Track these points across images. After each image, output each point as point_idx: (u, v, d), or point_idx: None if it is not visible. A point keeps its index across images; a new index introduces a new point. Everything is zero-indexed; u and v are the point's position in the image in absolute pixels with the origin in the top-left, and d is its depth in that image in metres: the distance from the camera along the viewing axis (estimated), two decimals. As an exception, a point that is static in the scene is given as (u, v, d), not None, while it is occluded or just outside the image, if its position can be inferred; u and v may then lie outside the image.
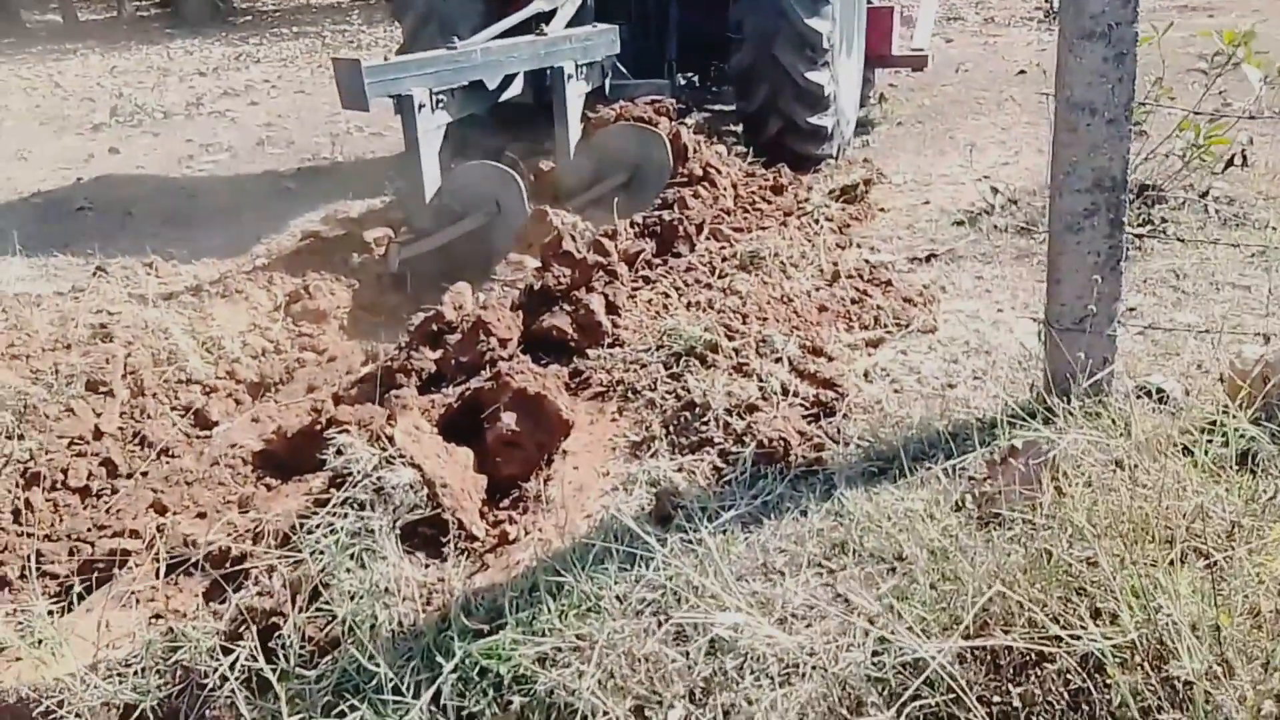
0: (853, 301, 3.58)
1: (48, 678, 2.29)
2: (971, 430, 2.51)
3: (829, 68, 5.82)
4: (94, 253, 4.97)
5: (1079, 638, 1.73)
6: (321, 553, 2.28)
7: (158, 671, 2.24)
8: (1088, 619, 1.78)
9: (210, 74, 12.86)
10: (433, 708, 2.00)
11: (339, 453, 2.48)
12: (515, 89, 5.30)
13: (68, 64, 15.35)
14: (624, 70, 5.97)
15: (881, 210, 5.14)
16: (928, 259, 4.25)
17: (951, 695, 1.73)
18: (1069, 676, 1.74)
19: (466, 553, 2.42)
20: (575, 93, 5.23)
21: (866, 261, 4.10)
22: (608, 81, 5.78)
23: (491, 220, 4.60)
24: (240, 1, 26.20)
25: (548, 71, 5.16)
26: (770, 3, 5.61)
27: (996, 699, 1.76)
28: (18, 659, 2.41)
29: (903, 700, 1.76)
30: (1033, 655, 1.79)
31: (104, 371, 3.45)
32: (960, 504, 2.27)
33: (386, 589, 2.24)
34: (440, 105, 4.60)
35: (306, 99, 10.63)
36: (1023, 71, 9.49)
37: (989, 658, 1.82)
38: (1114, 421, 2.41)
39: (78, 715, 2.18)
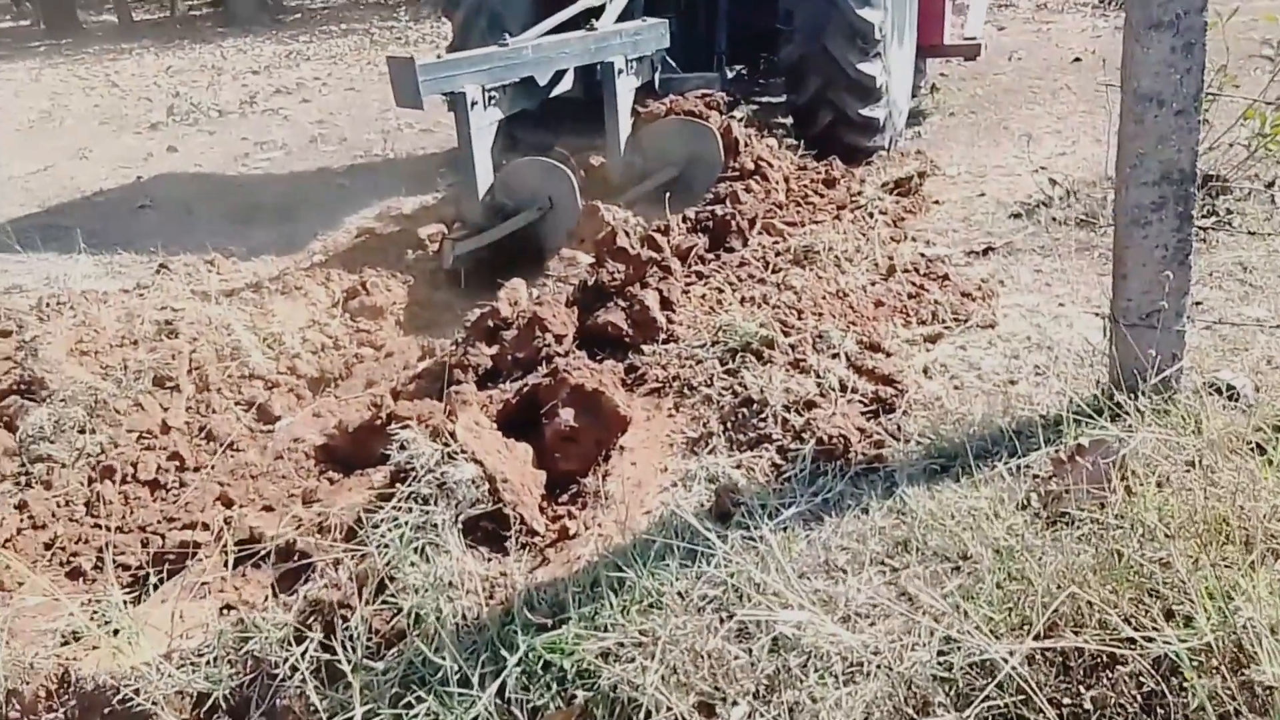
0: (909, 296, 3.54)
1: (124, 666, 2.36)
2: (1036, 427, 2.48)
3: (881, 58, 5.75)
4: (156, 250, 5.09)
5: (1153, 640, 1.70)
6: (386, 546, 2.32)
7: (229, 661, 2.29)
8: (1161, 621, 1.75)
9: (262, 72, 13.06)
10: (498, 700, 2.02)
11: (402, 447, 2.52)
12: (566, 84, 5.31)
13: (124, 64, 15.69)
14: (673, 64, 5.96)
15: (936, 203, 5.07)
16: (985, 252, 4.19)
17: (1021, 697, 1.72)
18: (1142, 679, 1.72)
19: (527, 547, 2.44)
20: (625, 87, 5.24)
21: (922, 255, 4.05)
22: (657, 76, 5.77)
23: (545, 215, 4.63)
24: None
25: (598, 67, 5.16)
26: None
27: (1067, 701, 1.74)
28: (95, 647, 2.48)
29: (970, 700, 1.75)
30: (1104, 657, 1.77)
31: (170, 367, 3.53)
32: (1026, 503, 2.24)
33: (450, 582, 2.27)
34: (493, 102, 4.63)
35: (357, 96, 10.76)
36: (1078, 59, 9.31)
37: (1059, 659, 1.80)
38: (1184, 419, 2.37)
39: (153, 703, 2.24)
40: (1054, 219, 4.49)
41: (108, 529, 2.89)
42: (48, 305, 3.96)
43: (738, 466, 2.53)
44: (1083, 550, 1.97)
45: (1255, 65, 5.22)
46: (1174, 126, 2.37)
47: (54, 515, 2.91)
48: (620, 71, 5.14)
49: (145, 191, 6.81)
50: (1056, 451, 2.35)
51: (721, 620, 2.05)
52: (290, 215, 6.01)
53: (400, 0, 26.47)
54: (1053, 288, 3.76)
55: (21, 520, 2.88)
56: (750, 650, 1.98)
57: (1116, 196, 2.50)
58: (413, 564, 2.30)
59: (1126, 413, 2.39)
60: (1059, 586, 1.83)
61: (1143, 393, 2.46)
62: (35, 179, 7.51)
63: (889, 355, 3.08)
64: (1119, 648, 1.71)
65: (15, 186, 7.26)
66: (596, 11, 5.49)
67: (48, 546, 2.83)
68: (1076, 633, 1.78)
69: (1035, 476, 2.33)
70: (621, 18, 5.52)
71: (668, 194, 4.62)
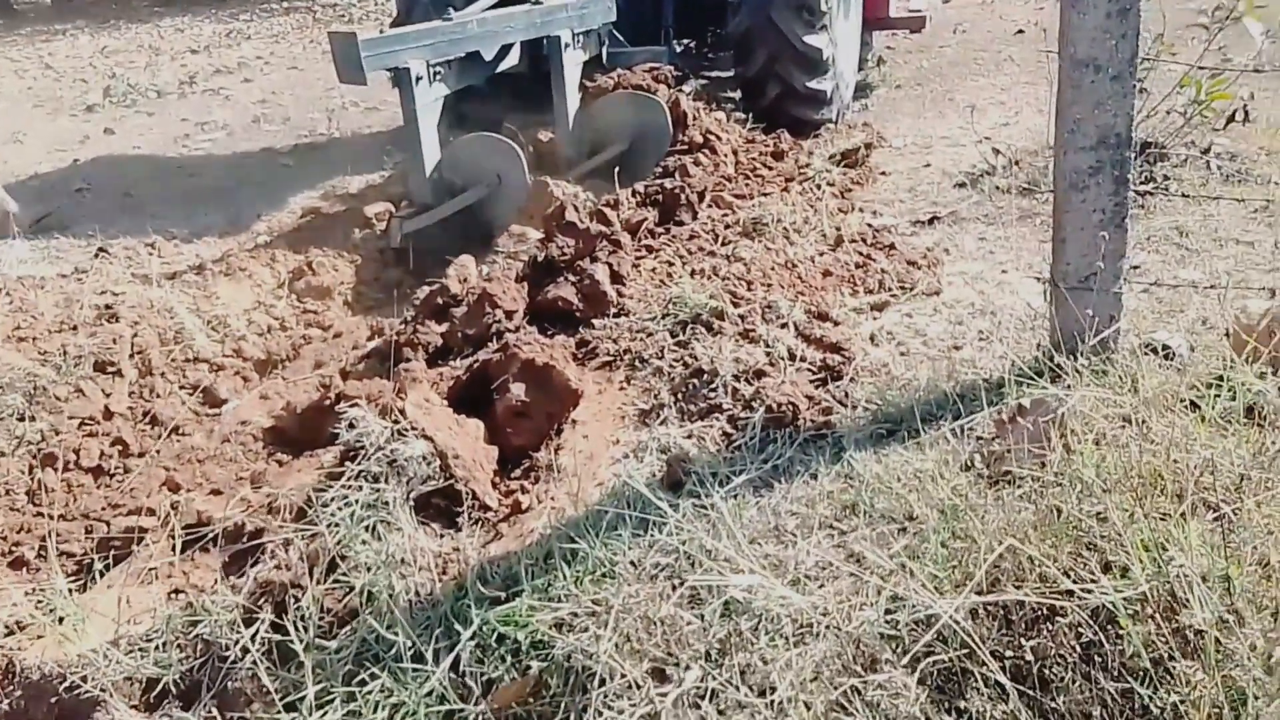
0: (857, 266, 3.58)
1: (70, 654, 2.32)
2: (979, 391, 2.53)
3: (827, 31, 5.77)
4: (95, 234, 4.96)
5: (1090, 591, 1.75)
6: (337, 525, 2.31)
7: (179, 645, 2.27)
8: (1099, 573, 1.80)
9: (202, 51, 12.75)
10: (452, 675, 2.02)
11: (351, 426, 2.50)
12: (512, 59, 5.26)
13: (58, 45, 15.22)
14: (620, 38, 5.93)
15: (883, 174, 5.12)
16: (930, 222, 4.24)
17: (965, 650, 1.76)
18: (1081, 630, 1.76)
19: (480, 522, 2.44)
20: (572, 61, 5.20)
21: (869, 225, 4.09)
22: (605, 50, 5.74)
23: (493, 192, 4.59)
24: (229, -23, 25.91)
25: (544, 41, 5.12)
26: None
27: (1009, 653, 1.79)
28: (39, 636, 2.44)
29: (916, 656, 1.79)
30: (1044, 609, 1.81)
31: (111, 352, 3.45)
32: (969, 464, 2.28)
33: (402, 559, 2.26)
34: (438, 77, 4.56)
35: (300, 75, 10.55)
36: (1021, 31, 9.42)
37: (1001, 613, 1.84)
38: (1121, 378, 2.42)
39: (102, 690, 2.21)
40: (997, 188, 4.56)
41: (50, 517, 2.83)
42: (-18, 292, 3.85)
43: (689, 437, 2.55)
44: (1024, 508, 2.01)
45: (1192, 34, 5.33)
46: (1110, 91, 2.41)
47: (-6, 505, 2.84)
48: (567, 45, 5.10)
49: (82, 175, 6.62)
50: (999, 413, 2.39)
51: (674, 587, 2.06)
52: (233, 196, 5.89)
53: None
54: (996, 255, 3.82)
55: (-40, 511, 2.81)
56: (702, 616, 2.00)
57: (1055, 161, 2.55)
58: (364, 542, 2.29)
59: (1066, 373, 2.45)
60: (1000, 543, 1.87)
61: (1081, 354, 2.51)
62: (-36, 164, 7.28)
63: (837, 324, 3.11)
64: (1058, 600, 1.75)
65: (-56, 171, 7.03)
66: None
67: (-13, 537, 2.77)
68: (1018, 587, 1.82)
69: (979, 438, 2.38)
70: None
71: (616, 168, 4.62)
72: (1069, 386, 2.30)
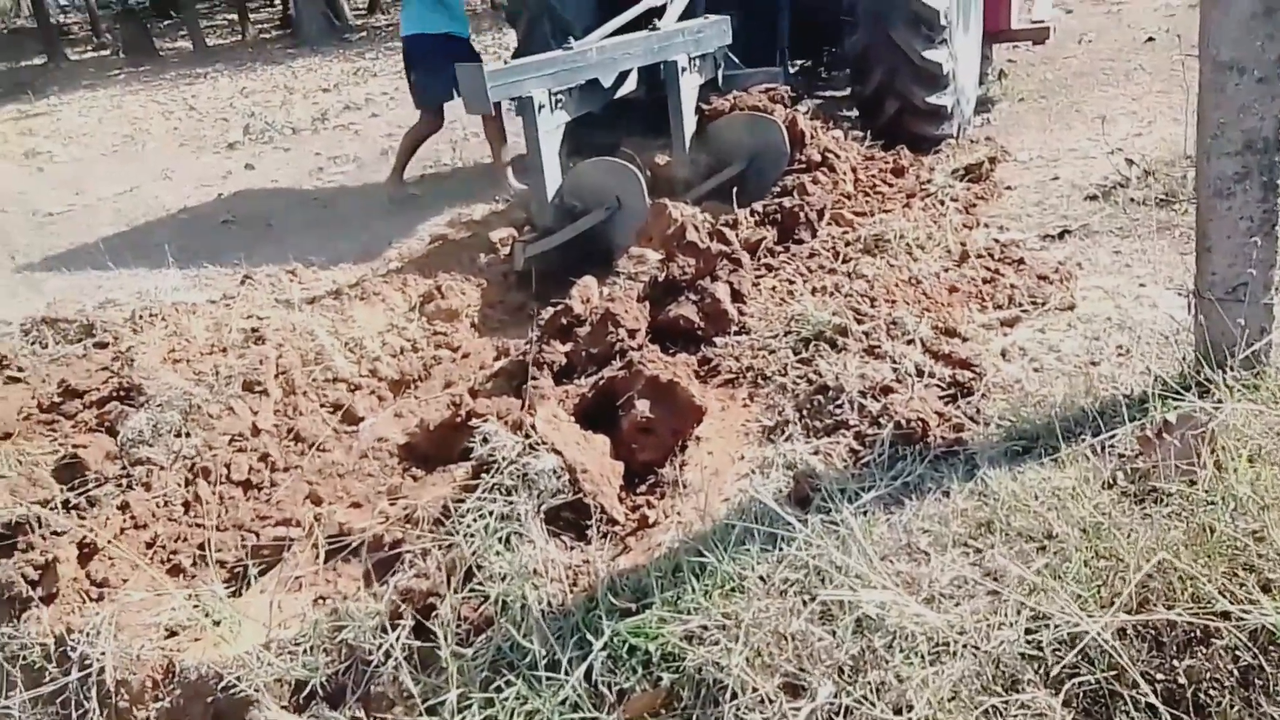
0: (984, 281, 3.50)
1: (225, 655, 2.46)
2: (1120, 407, 2.43)
3: (947, 45, 5.68)
4: (240, 262, 5.28)
5: (1249, 613, 1.67)
6: (472, 536, 2.38)
7: (325, 650, 2.38)
8: (1257, 593, 1.72)
9: (332, 90, 13.41)
10: (585, 684, 2.06)
11: (484, 440, 2.58)
12: (630, 85, 5.36)
13: (200, 87, 16.25)
14: (736, 60, 5.97)
15: (1008, 188, 4.99)
16: (1061, 235, 4.12)
17: (1113, 672, 1.70)
18: (1238, 653, 1.68)
19: (608, 536, 2.48)
20: (689, 85, 5.26)
21: (996, 240, 4.00)
22: (720, 72, 5.79)
23: (613, 215, 4.68)
24: (355, 20, 27.22)
25: (661, 66, 5.20)
26: None
27: (1160, 676, 1.72)
28: (197, 639, 2.59)
29: (1059, 676, 1.74)
30: (1198, 631, 1.73)
31: (258, 372, 3.65)
32: (1112, 481, 2.21)
33: (535, 570, 2.31)
34: (559, 105, 4.69)
35: (424, 109, 10.98)
36: (1151, 39, 9.05)
37: (1151, 634, 1.77)
38: (1275, 392, 2.30)
39: (254, 690, 2.33)
40: (1132, 199, 4.39)
41: (205, 527, 3.02)
42: (141, 317, 4.13)
43: (815, 453, 2.54)
44: (1173, 526, 1.93)
45: None
46: (1256, 94, 2.31)
47: (154, 515, 3.03)
48: (683, 70, 5.17)
49: (227, 207, 7.06)
50: (1142, 429, 2.30)
51: (804, 602, 2.05)
52: (366, 225, 6.17)
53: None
54: (1133, 268, 3.68)
55: (124, 520, 3.01)
56: (834, 632, 1.99)
57: (1198, 168, 2.45)
58: (498, 553, 2.36)
59: (1214, 388, 2.34)
60: (1149, 561, 1.80)
61: (1230, 367, 2.40)
62: (123, 199, 7.84)
63: (965, 340, 3.05)
64: (1214, 621, 1.68)
65: (105, 207, 7.59)
66: (659, 11, 5.53)
67: (149, 545, 2.95)
68: (1169, 607, 1.75)
69: (1121, 455, 2.29)
70: (683, 16, 5.55)
71: (734, 189, 4.64)
72: (1218, 401, 2.20)
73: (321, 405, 3.72)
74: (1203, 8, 2.35)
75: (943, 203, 4.45)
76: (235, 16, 28.26)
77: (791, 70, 6.50)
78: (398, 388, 3.96)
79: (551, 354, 3.48)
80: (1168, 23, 9.82)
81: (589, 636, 2.12)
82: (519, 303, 4.58)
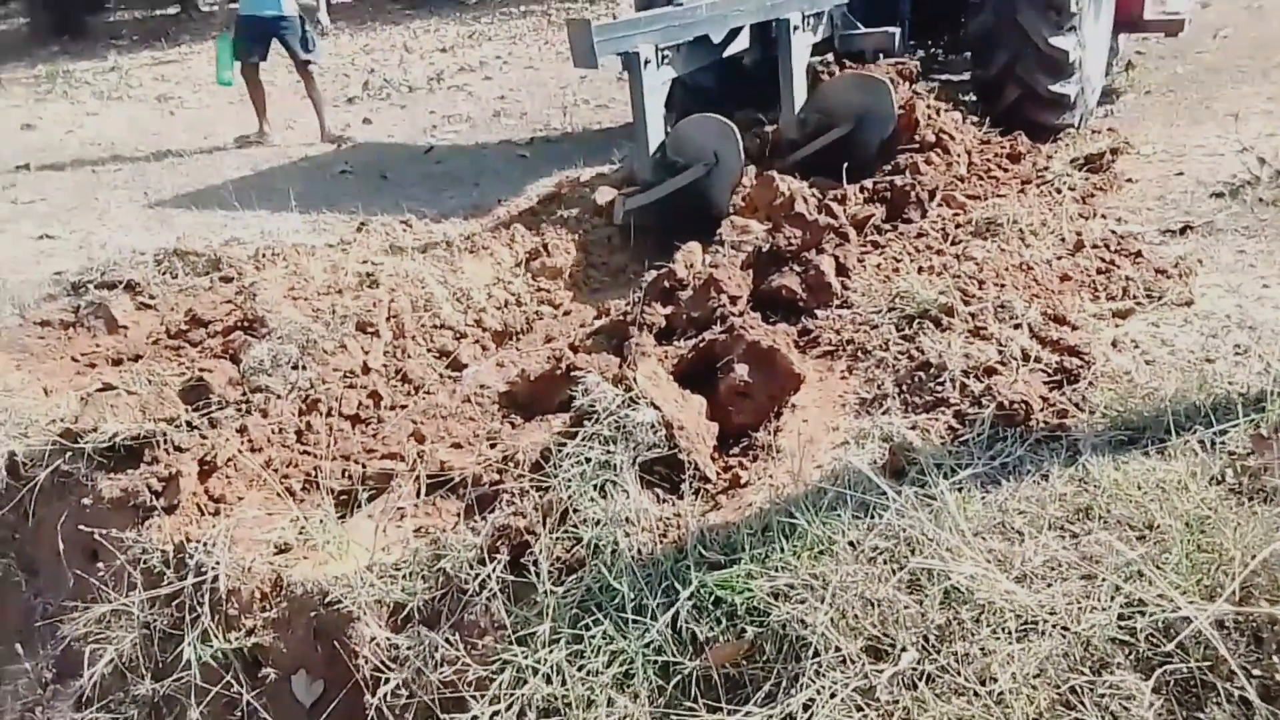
0: (1098, 272, 3.42)
1: (331, 574, 2.60)
2: (1234, 405, 2.37)
3: (1075, 32, 5.49)
4: (356, 210, 5.47)
5: (1359, 617, 1.63)
6: (568, 481, 2.46)
7: (423, 577, 2.49)
8: (1370, 599, 1.67)
9: (448, 51, 13.65)
10: (670, 630, 2.12)
11: (585, 391, 2.65)
12: (742, 43, 5.32)
13: (323, 43, 16.66)
14: (854, 21, 5.86)
15: (1129, 181, 4.83)
16: (1182, 231, 3.98)
17: (1208, 663, 1.68)
18: (1344, 656, 1.65)
19: (700, 493, 2.53)
20: (801, 44, 5.21)
21: (1113, 232, 3.89)
22: (836, 34, 5.71)
23: (710, 172, 4.70)
24: (473, -17, 27.55)
25: (774, 23, 5.17)
26: None
27: (1258, 672, 1.69)
28: (304, 557, 2.74)
29: (1152, 663, 1.72)
30: (1303, 631, 1.70)
31: (371, 314, 3.80)
32: (1221, 478, 2.16)
33: (627, 519, 2.38)
34: (665, 60, 4.70)
35: (535, 74, 11.11)
36: (1294, 36, 8.59)
37: (1251, 629, 1.74)
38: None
39: (357, 608, 2.47)
40: (1260, 199, 4.21)
41: (316, 455, 3.17)
42: (263, 255, 4.34)
43: (913, 428, 2.54)
44: (1284, 525, 1.89)
45: None
46: None
47: (269, 440, 3.20)
48: (796, 28, 5.12)
49: (345, 158, 7.29)
50: (1256, 427, 2.24)
51: (893, 570, 2.07)
52: (476, 182, 6.32)
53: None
54: (1257, 269, 3.54)
55: (242, 443, 3.19)
56: (921, 601, 2.01)
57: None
58: (592, 499, 2.43)
59: (1339, 394, 2.27)
60: (1255, 557, 1.76)
61: (1359, 373, 2.31)
62: (248, 145, 8.16)
63: (1075, 328, 2.99)
64: (1320, 621, 1.64)
65: (232, 153, 7.92)
66: None
67: (264, 467, 3.12)
68: (1272, 603, 1.72)
69: (1231, 452, 2.24)
70: None
71: (845, 163, 4.59)
72: (1343, 404, 2.13)
73: (429, 350, 3.86)
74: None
75: (1059, 191, 4.34)
76: (357, -25, 28.92)
77: (909, 38, 6.35)
78: (501, 339, 4.08)
79: (653, 316, 3.53)
80: (1314, 20, 9.31)
81: (677, 585, 2.18)
82: (621, 264, 4.65)
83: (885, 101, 4.90)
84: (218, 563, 2.73)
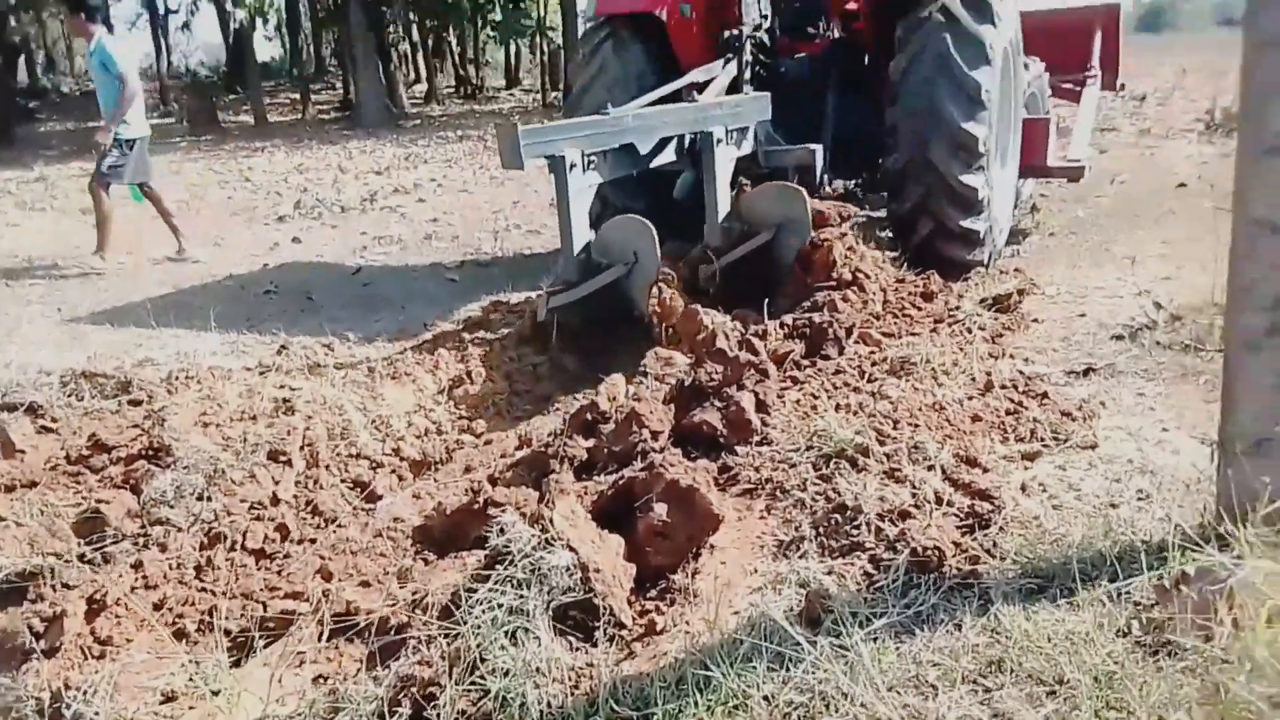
0: (1008, 413, 3.52)
1: (221, 727, 2.45)
2: (1139, 553, 2.42)
3: (984, 172, 5.81)
4: (279, 332, 5.39)
5: (1263, 781, 1.63)
6: (479, 628, 2.38)
7: (321, 730, 2.36)
8: (1273, 761, 1.68)
9: (383, 173, 13.84)
10: (579, 791, 2.03)
11: (501, 531, 2.59)
12: (669, 155, 5.52)
13: (257, 160, 16.83)
14: (778, 138, 6.14)
15: (1035, 321, 5.04)
16: (1086, 373, 4.14)
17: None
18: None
19: (615, 639, 2.47)
20: (725, 157, 5.42)
21: (1021, 372, 4.03)
22: (760, 149, 5.95)
23: (631, 271, 4.83)
24: (411, 108, 28.25)
25: (699, 136, 5.36)
26: (926, 106, 5.67)
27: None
28: (192, 707, 2.58)
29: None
30: (1210, 795, 1.70)
31: (285, 442, 3.71)
32: (1127, 630, 2.18)
33: (538, 669, 2.30)
34: (591, 166, 4.87)
35: (469, 198, 11.30)
36: (1183, 185, 9.21)
37: (1161, 793, 1.73)
38: (1297, 553, 2.28)
39: (247, 765, 2.31)
40: (1158, 343, 4.42)
41: (214, 593, 3.02)
42: (176, 378, 4.22)
43: (829, 573, 2.53)
44: (1187, 682, 1.91)
45: None
46: (1286, 254, 2.35)
47: (166, 577, 3.05)
48: (720, 141, 5.34)
49: (271, 278, 7.24)
50: (1160, 578, 2.29)
51: (807, 727, 2.03)
52: (404, 305, 6.31)
53: (513, 110, 27.85)
54: (1156, 412, 3.68)
55: (136, 579, 3.03)
56: (835, 760, 1.96)
57: (1227, 321, 2.48)
58: (503, 647, 2.35)
59: (1234, 542, 2.32)
60: (1159, 718, 1.77)
61: (1251, 523, 2.38)
62: (173, 263, 8.07)
63: (986, 470, 3.05)
64: (1226, 786, 1.64)
65: (155, 269, 7.81)
66: (701, 86, 5.77)
67: (157, 607, 2.96)
68: (1180, 767, 1.71)
69: (1137, 603, 2.27)
70: None
71: (766, 301, 4.71)
72: (1238, 557, 2.19)
73: (343, 480, 3.76)
74: (1238, 164, 2.42)
75: (970, 330, 4.50)
76: (297, 95, 29.44)
77: (832, 191, 6.65)
78: (419, 468, 3.99)
79: (574, 448, 3.51)
80: (1200, 169, 10.00)
81: (587, 742, 2.10)
82: (546, 393, 4.64)
83: (802, 210, 5.13)
84: (97, 713, 2.54)
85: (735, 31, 6.59)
